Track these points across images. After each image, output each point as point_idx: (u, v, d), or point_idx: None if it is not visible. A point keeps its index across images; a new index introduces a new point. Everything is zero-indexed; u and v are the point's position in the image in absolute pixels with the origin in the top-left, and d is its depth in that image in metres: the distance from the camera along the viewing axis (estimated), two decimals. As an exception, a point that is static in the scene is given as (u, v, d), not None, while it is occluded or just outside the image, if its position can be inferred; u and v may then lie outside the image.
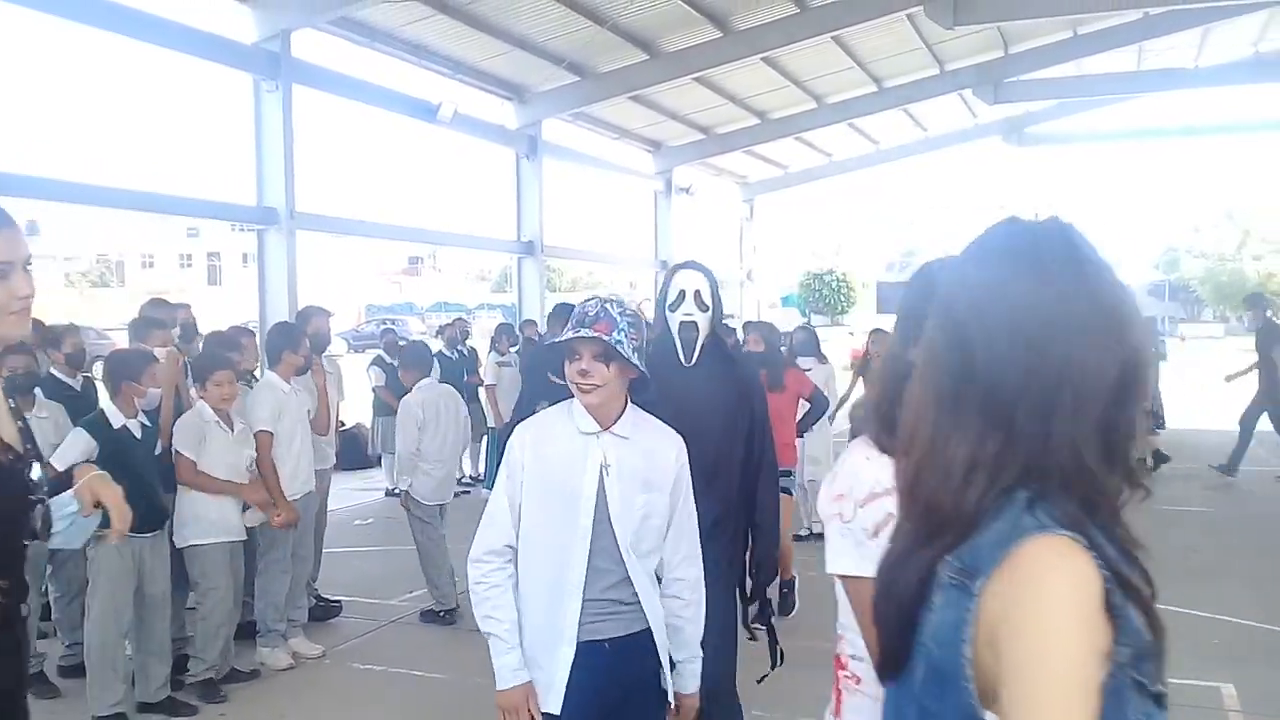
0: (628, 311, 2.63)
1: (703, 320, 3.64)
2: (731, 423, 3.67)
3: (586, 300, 2.69)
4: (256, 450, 5.37)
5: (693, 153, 18.49)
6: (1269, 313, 11.65)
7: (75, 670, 5.13)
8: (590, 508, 2.60)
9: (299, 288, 10.12)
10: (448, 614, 6.31)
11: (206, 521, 5.07)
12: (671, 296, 3.66)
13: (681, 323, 3.64)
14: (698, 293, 3.64)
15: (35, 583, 4.60)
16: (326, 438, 6.46)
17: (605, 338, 2.54)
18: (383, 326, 21.57)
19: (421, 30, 11.44)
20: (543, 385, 4.55)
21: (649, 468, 2.67)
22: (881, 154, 21.81)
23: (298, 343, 5.77)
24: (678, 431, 2.87)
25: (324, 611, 6.37)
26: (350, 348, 30.57)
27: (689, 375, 3.60)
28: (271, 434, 5.44)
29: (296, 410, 5.67)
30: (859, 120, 18.46)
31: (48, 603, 5.58)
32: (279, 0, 9.59)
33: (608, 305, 2.62)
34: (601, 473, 2.61)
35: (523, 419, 2.93)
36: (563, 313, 5.02)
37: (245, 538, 5.30)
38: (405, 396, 6.55)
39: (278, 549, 5.57)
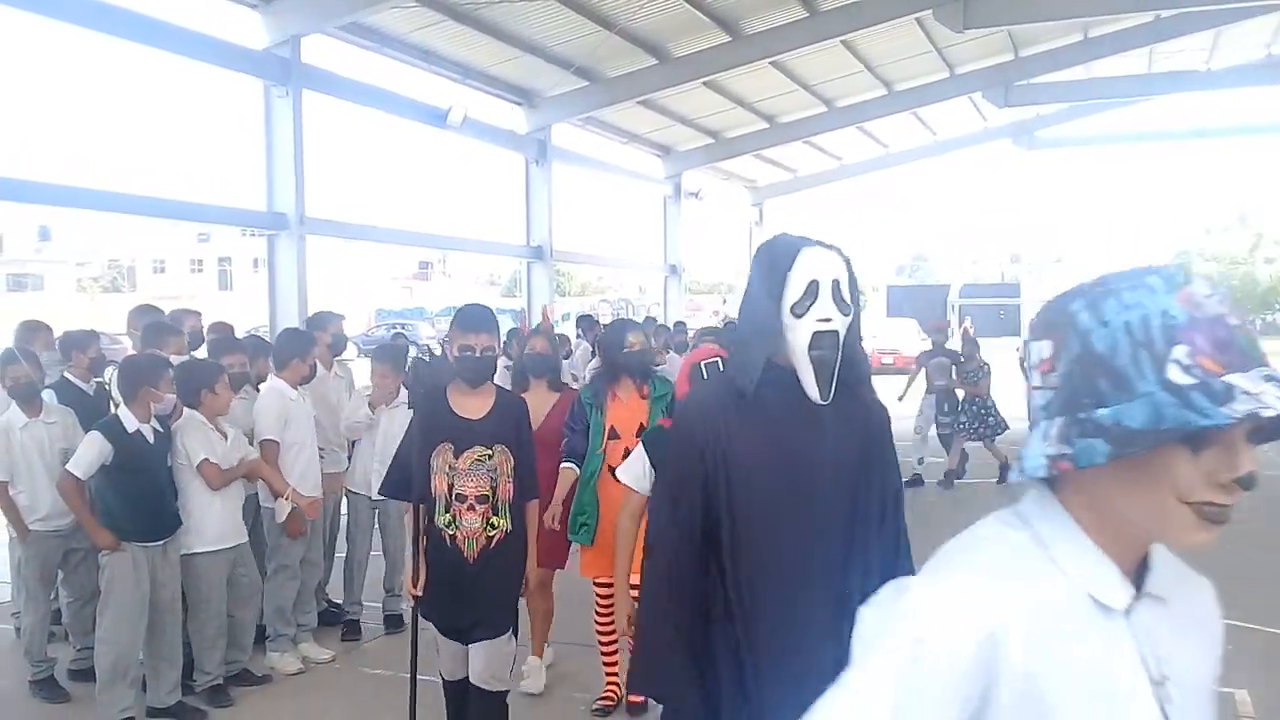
0: None
1: (845, 331, 2.31)
2: (868, 484, 2.40)
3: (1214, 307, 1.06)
4: (262, 458, 5.34)
5: (702, 157, 18.50)
6: None
7: (85, 675, 5.15)
8: None
9: (309, 292, 10.17)
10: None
11: (210, 533, 5.03)
12: (796, 292, 2.26)
13: (817, 334, 2.25)
14: (836, 285, 2.28)
15: None
16: (339, 442, 6.43)
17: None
18: (393, 331, 21.61)
19: (431, 35, 11.48)
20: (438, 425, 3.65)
21: (1208, 656, 1.26)
22: (891, 158, 21.81)
23: (307, 350, 5.72)
24: (801, 507, 2.13)
25: (334, 616, 6.36)
26: (360, 352, 30.58)
27: (818, 418, 2.31)
28: (277, 443, 5.41)
29: (304, 417, 5.63)
30: (869, 124, 18.48)
31: (58, 608, 5.60)
32: (290, 6, 9.64)
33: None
34: (1160, 705, 1.13)
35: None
36: (476, 319, 3.76)
37: (244, 540, 5.26)
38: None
39: (287, 554, 5.56)
